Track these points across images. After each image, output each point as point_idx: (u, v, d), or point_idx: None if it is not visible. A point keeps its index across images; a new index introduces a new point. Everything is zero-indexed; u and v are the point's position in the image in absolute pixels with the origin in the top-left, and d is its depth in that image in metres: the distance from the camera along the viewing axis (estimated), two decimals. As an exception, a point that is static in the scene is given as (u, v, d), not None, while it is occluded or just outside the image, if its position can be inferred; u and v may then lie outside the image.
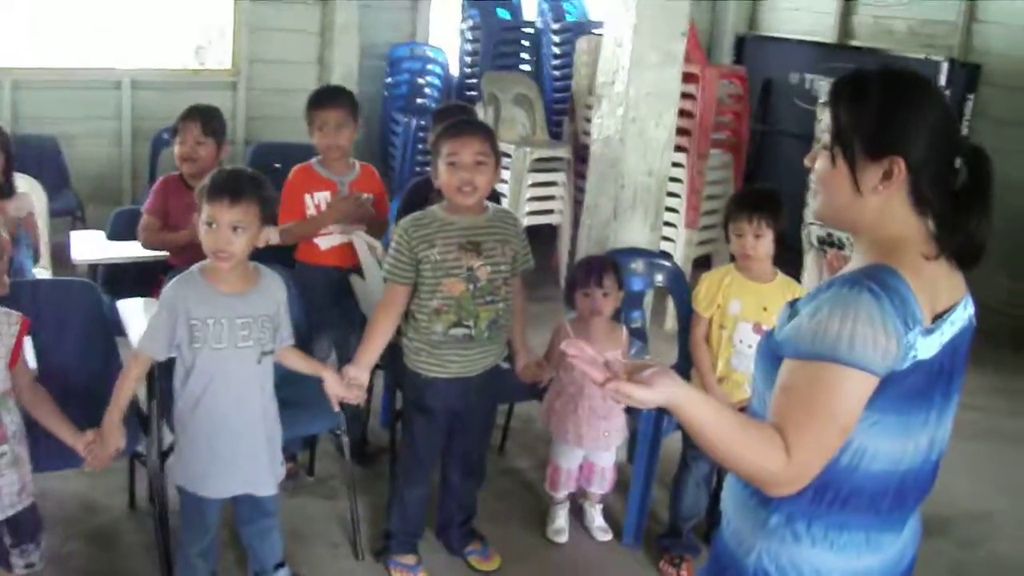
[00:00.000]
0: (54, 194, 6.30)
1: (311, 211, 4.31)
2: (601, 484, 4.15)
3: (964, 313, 1.98)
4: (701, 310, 3.91)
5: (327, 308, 4.33)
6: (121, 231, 4.90)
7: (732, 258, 3.97)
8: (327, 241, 4.35)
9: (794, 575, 1.97)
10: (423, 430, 3.74)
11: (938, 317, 1.88)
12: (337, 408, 3.50)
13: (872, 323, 1.79)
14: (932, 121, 1.89)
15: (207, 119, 4.55)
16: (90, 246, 4.86)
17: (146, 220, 4.53)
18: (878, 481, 1.93)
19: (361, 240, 4.17)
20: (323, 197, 4.31)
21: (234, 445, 3.24)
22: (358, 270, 4.27)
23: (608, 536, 4.19)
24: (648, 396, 1.81)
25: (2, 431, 3.01)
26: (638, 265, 4.52)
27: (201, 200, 3.12)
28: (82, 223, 6.60)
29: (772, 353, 1.97)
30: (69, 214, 6.70)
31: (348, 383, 3.40)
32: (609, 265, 4.05)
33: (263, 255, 3.44)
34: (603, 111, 4.57)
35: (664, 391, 1.81)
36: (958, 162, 1.93)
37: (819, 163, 2.00)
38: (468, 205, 3.50)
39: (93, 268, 5.02)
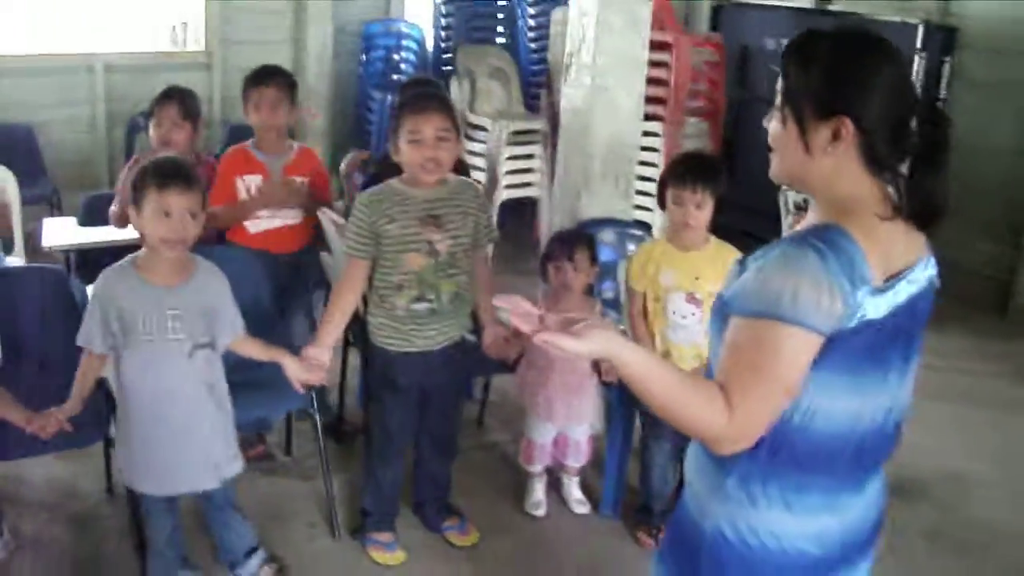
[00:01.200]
0: (29, 182, 6.26)
1: (243, 195, 4.25)
2: (576, 457, 4.12)
3: (924, 274, 1.94)
4: (633, 284, 3.84)
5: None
6: (93, 216, 4.86)
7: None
8: (255, 225, 4.29)
9: (752, 539, 1.94)
10: (392, 407, 3.70)
11: (892, 277, 1.85)
12: (301, 391, 3.45)
13: (816, 282, 1.76)
14: (885, 81, 1.85)
15: (185, 102, 4.46)
16: (61, 232, 4.84)
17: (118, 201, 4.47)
18: (833, 441, 1.90)
19: (326, 218, 4.12)
20: (254, 180, 4.25)
21: (169, 442, 3.20)
22: (326, 248, 4.23)
23: (586, 508, 4.16)
24: (580, 347, 1.79)
25: None
26: (608, 235, 4.47)
27: (142, 189, 3.05)
28: (59, 210, 6.55)
29: (721, 312, 1.94)
30: (45, 201, 6.64)
31: (308, 365, 3.36)
32: (582, 239, 4.00)
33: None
34: (572, 80, 4.53)
35: (598, 343, 1.79)
36: (914, 123, 1.88)
37: (772, 124, 1.97)
38: (430, 182, 3.45)
39: (67, 255, 4.99)
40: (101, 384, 3.66)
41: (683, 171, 3.72)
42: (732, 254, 3.58)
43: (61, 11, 7.82)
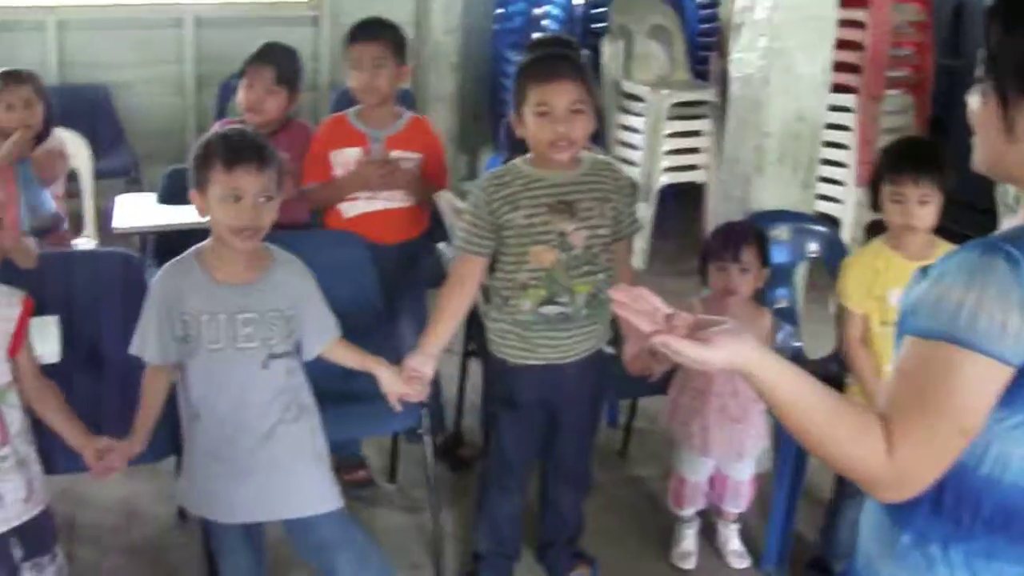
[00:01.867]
0: (105, 152, 6.48)
1: (338, 172, 4.33)
2: (736, 501, 4.08)
3: None
4: (853, 305, 3.71)
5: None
6: (176, 193, 4.91)
7: (871, 231, 3.74)
8: (352, 208, 4.36)
9: None
10: (511, 429, 3.70)
11: None
12: (398, 408, 3.41)
13: (1004, 298, 1.68)
14: None
15: (283, 64, 4.52)
16: (136, 212, 4.92)
17: None
18: None
19: (445, 202, 4.15)
20: (352, 154, 4.32)
21: (240, 462, 3.21)
22: (444, 237, 4.27)
23: (745, 562, 4.11)
24: (706, 355, 1.78)
25: (3, 431, 3.06)
26: (783, 232, 4.41)
27: (207, 168, 3.05)
28: (138, 185, 6.70)
29: (899, 331, 1.88)
30: (124, 175, 6.83)
31: (407, 377, 3.37)
32: (751, 235, 3.94)
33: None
34: (742, 44, 4.48)
35: (728, 352, 1.77)
36: None
37: (973, 100, 1.91)
38: (563, 160, 3.44)
39: (144, 237, 5.11)
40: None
41: (901, 160, 3.64)
42: None
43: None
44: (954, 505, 1.83)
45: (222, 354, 3.12)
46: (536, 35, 8.16)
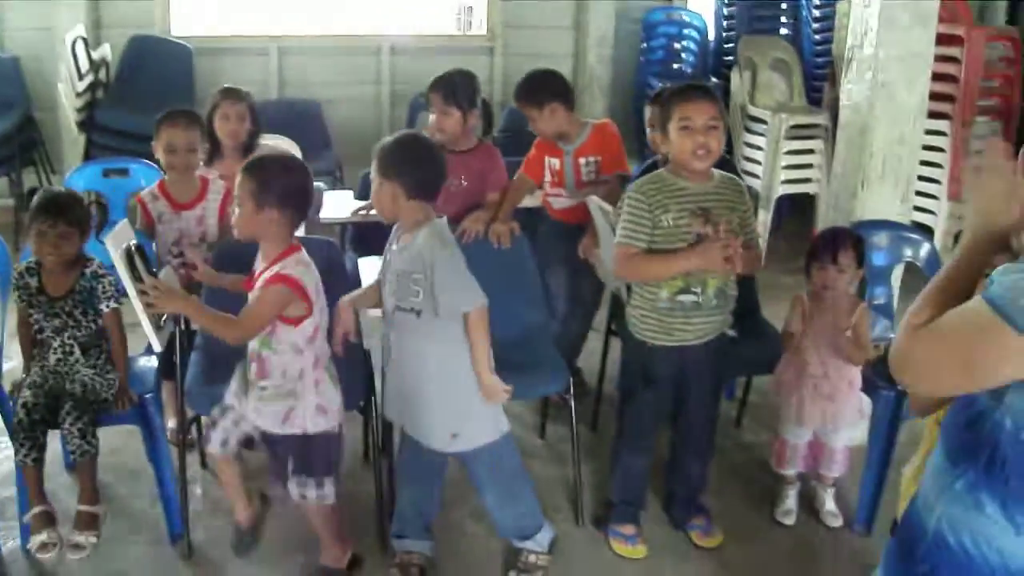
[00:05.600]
0: (316, 155, 6.56)
1: (546, 175, 4.57)
2: (830, 467, 3.96)
3: None
4: None
5: (552, 252, 4.58)
6: (368, 192, 5.01)
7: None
8: (559, 203, 4.61)
9: (973, 549, 1.82)
10: (646, 399, 3.68)
11: None
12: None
13: None
14: None
15: (448, 90, 4.52)
16: (337, 206, 4.99)
17: None
18: None
19: (595, 204, 4.12)
20: (553, 164, 4.57)
21: (405, 391, 3.37)
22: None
23: (838, 522, 3.99)
24: None
25: (264, 368, 3.18)
26: (882, 238, 4.30)
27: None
28: (340, 183, 6.82)
29: None
30: (329, 174, 6.93)
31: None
32: (848, 240, 3.83)
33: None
34: (852, 76, 4.38)
35: None
36: None
37: None
38: (700, 169, 3.42)
39: (343, 228, 5.18)
40: (365, 352, 3.82)
41: None
42: None
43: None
44: (991, 457, 1.78)
45: (387, 299, 3.35)
46: (680, 66, 8.24)
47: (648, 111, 4.45)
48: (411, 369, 3.31)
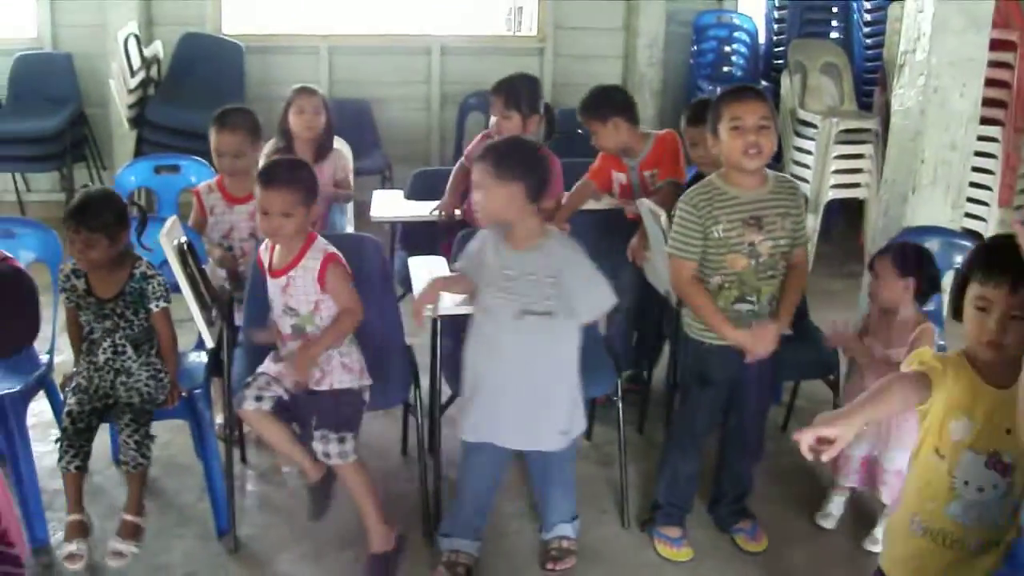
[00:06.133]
0: (365, 154, 6.64)
1: (614, 187, 4.65)
2: (882, 489, 3.79)
3: None
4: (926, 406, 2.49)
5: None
6: (419, 191, 5.06)
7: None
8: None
9: None
10: (700, 401, 3.70)
11: None
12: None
13: None
14: None
15: (509, 94, 4.57)
16: (388, 204, 5.02)
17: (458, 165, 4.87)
18: None
19: (646, 206, 4.13)
20: (620, 178, 4.64)
21: (492, 393, 3.40)
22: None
23: (877, 548, 3.81)
24: None
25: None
26: (933, 245, 4.27)
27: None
28: (389, 182, 6.87)
29: None
30: (378, 173, 6.98)
31: None
32: (915, 261, 3.80)
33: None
34: (904, 81, 4.36)
35: None
36: None
37: None
38: (752, 169, 3.41)
39: (393, 226, 5.21)
40: (408, 350, 3.86)
41: (993, 257, 2.43)
42: None
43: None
44: None
45: (486, 299, 3.43)
46: (731, 69, 8.22)
47: (685, 129, 4.50)
48: (541, 370, 3.37)
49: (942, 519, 2.46)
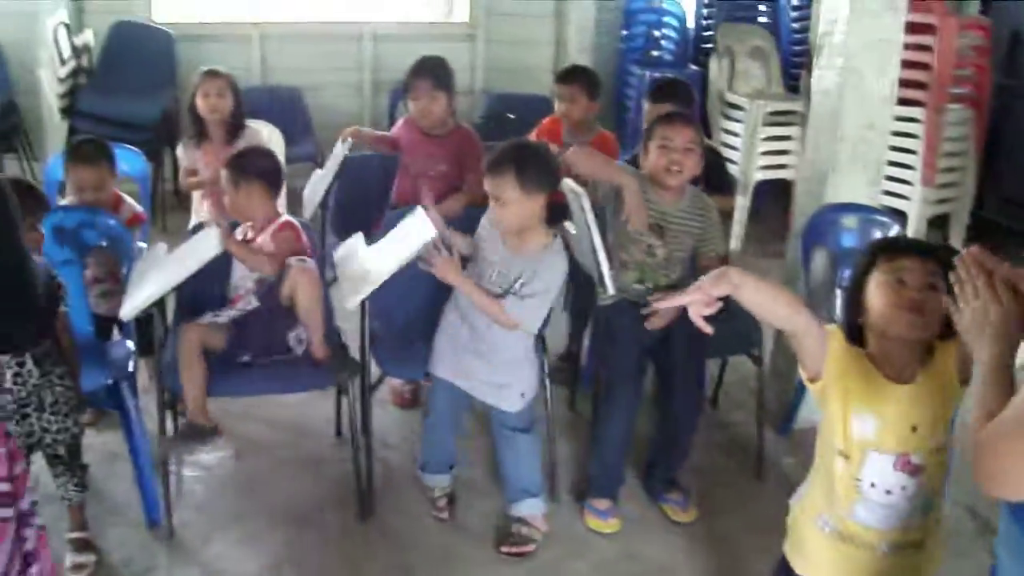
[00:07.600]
0: (297, 141, 6.62)
1: None
2: None
3: None
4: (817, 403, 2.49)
5: None
6: (349, 176, 5.08)
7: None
8: None
9: None
10: (614, 353, 3.88)
11: None
12: None
13: None
14: None
15: (437, 73, 4.63)
16: (317, 188, 5.08)
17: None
18: None
19: (568, 187, 4.18)
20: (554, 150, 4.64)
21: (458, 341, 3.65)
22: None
23: None
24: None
25: None
26: (852, 221, 4.37)
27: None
28: (321, 169, 6.83)
29: None
30: (311, 160, 6.97)
31: None
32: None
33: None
34: (823, 62, 4.43)
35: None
36: None
37: None
38: (672, 185, 3.78)
39: (323, 211, 5.24)
40: (338, 332, 3.95)
41: (895, 242, 2.65)
42: (951, 374, 2.32)
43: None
44: None
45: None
46: (660, 53, 8.29)
47: (647, 106, 4.72)
48: (497, 340, 3.57)
49: (849, 522, 2.39)
